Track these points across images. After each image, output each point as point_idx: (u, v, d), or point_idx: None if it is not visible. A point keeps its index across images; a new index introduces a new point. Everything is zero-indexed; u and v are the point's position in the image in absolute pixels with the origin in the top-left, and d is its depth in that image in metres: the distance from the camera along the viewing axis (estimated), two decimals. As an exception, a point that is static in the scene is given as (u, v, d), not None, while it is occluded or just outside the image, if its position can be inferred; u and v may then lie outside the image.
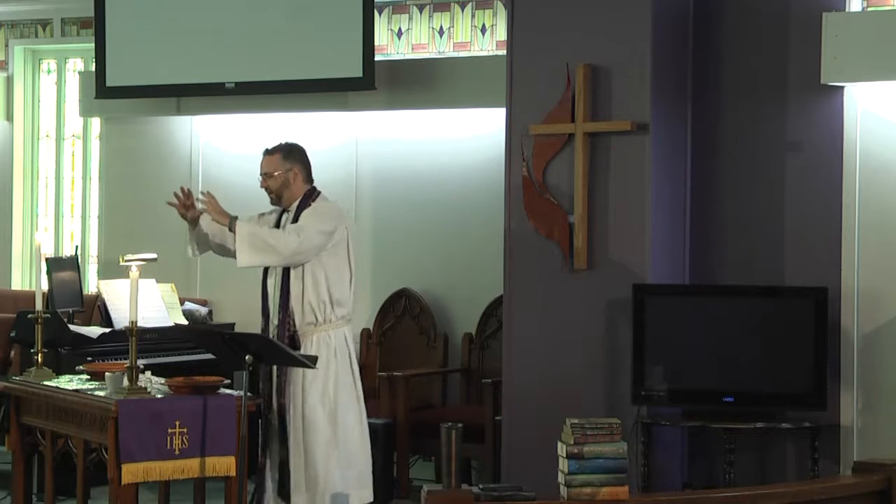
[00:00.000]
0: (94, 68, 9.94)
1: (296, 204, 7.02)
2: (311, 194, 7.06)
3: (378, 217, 9.39)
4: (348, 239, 7.03)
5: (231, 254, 7.02)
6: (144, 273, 6.63)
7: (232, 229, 6.92)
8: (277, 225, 7.06)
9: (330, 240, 6.92)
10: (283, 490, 6.87)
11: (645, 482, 7.41)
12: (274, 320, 6.98)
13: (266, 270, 7.06)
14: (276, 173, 7.02)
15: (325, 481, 6.86)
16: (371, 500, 7.08)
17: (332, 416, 6.91)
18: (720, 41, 7.81)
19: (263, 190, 7.09)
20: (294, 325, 6.92)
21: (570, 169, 7.73)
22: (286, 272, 6.94)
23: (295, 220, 6.98)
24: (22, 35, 10.68)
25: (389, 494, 8.39)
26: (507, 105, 7.98)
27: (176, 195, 7.03)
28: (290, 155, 7.06)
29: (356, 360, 7.10)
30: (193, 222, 7.07)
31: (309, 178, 7.10)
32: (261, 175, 7.07)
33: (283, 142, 7.16)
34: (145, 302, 8.03)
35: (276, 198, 7.07)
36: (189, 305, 9.03)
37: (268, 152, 7.10)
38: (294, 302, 6.92)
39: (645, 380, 7.42)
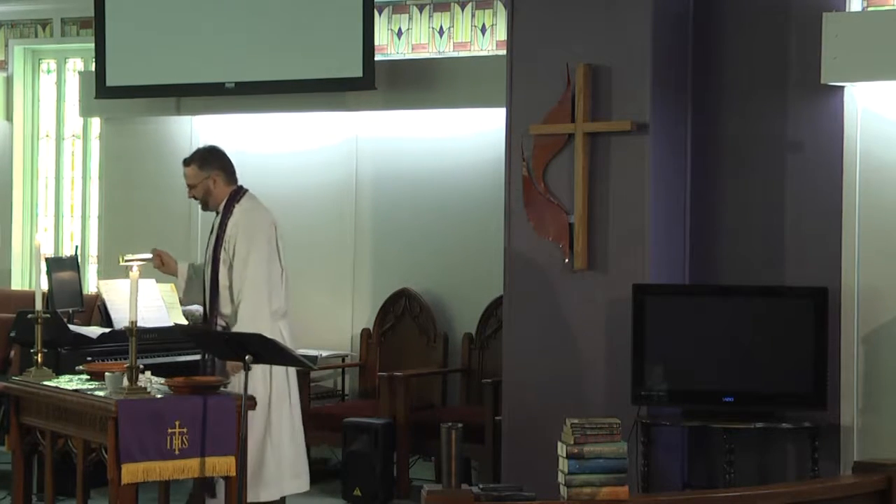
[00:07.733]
0: (94, 68, 9.94)
1: (222, 205, 7.27)
2: (237, 195, 7.29)
3: (378, 217, 9.39)
4: (277, 236, 7.25)
5: None
6: (144, 273, 6.63)
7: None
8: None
9: (272, 245, 7.15)
10: (210, 486, 6.97)
11: (645, 482, 7.40)
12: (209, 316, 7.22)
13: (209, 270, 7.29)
14: (196, 184, 7.30)
15: (257, 473, 7.02)
16: (307, 489, 7.31)
17: (265, 410, 7.11)
18: (720, 41, 7.80)
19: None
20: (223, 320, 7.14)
21: (570, 169, 7.73)
22: (215, 274, 7.14)
23: (223, 222, 7.18)
24: (22, 35, 10.68)
25: (389, 494, 8.39)
26: (507, 105, 7.97)
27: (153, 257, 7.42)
28: (206, 163, 7.30)
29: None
30: (173, 273, 7.48)
31: (231, 179, 7.34)
32: (186, 186, 7.35)
33: (199, 149, 7.47)
34: (145, 302, 8.04)
35: (203, 204, 7.36)
36: (189, 305, 9.02)
37: (185, 163, 7.37)
38: (223, 298, 7.11)
39: (645, 380, 7.41)
